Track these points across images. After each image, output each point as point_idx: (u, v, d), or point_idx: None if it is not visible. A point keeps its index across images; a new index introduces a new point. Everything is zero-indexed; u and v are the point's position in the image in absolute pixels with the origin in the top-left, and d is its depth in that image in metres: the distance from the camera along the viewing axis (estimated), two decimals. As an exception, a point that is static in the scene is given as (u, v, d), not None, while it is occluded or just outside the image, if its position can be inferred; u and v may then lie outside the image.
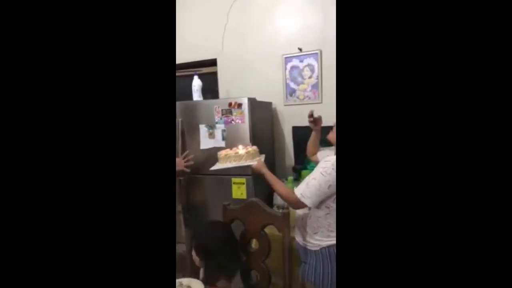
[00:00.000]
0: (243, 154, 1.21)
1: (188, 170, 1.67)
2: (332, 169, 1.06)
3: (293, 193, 1.13)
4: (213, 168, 1.29)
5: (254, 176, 1.77)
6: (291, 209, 1.18)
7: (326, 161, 1.12)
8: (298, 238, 1.24)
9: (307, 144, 1.49)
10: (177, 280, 1.11)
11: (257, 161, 1.22)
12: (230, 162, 1.22)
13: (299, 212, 1.20)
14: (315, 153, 1.47)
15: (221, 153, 1.28)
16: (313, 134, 1.43)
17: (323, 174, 1.07)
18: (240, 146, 1.30)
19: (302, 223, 1.19)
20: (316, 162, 1.30)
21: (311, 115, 1.33)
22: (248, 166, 1.25)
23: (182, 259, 2.04)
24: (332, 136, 1.21)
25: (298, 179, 1.87)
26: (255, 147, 1.30)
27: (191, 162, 1.67)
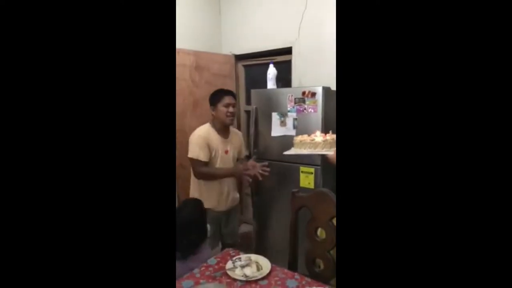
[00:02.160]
0: (319, 142, 1.17)
1: (260, 178, 1.58)
2: None
3: None
4: (287, 152, 1.28)
5: (323, 167, 1.75)
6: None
7: None
8: None
9: None
10: (246, 255, 1.20)
11: (334, 151, 1.17)
12: (305, 148, 1.20)
13: None
14: None
15: (297, 139, 1.26)
16: None
17: None
18: (318, 133, 1.25)
19: None
20: None
21: None
22: (322, 156, 1.21)
23: (249, 238, 2.17)
24: None
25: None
26: (334, 136, 1.25)
27: (266, 173, 1.57)
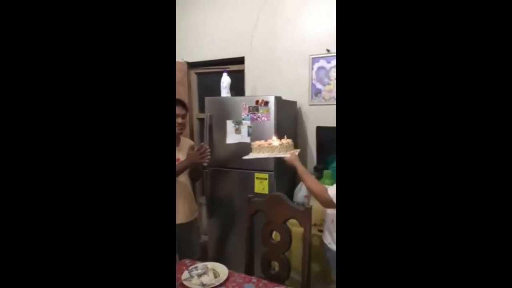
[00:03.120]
0: (276, 146, 1.23)
1: (205, 163, 1.55)
2: None
3: (326, 191, 1.11)
4: (246, 157, 1.30)
5: (276, 172, 1.82)
6: (315, 206, 1.21)
7: None
8: (327, 241, 1.23)
9: None
10: (203, 264, 1.19)
11: (290, 154, 1.22)
12: (263, 152, 1.24)
13: (329, 213, 1.20)
14: None
15: (255, 144, 1.30)
16: None
17: None
18: (274, 138, 1.31)
19: (332, 226, 1.19)
20: None
21: None
22: (276, 161, 1.24)
23: (205, 247, 2.13)
24: None
25: (319, 178, 1.89)
26: (289, 140, 1.30)
27: (208, 156, 1.51)
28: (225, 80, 2.09)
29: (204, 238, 2.25)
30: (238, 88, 2.42)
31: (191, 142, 1.81)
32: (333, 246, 1.19)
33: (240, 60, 2.42)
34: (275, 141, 1.27)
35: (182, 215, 1.63)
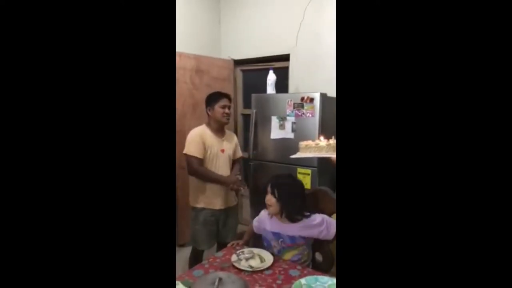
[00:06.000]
0: (324, 146, 1.26)
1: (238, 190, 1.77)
2: None
3: None
4: (293, 156, 1.36)
5: (319, 169, 1.85)
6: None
7: None
8: None
9: None
10: (249, 249, 1.28)
11: None
12: (310, 152, 1.28)
13: None
14: None
15: (302, 144, 1.34)
16: None
17: None
18: (322, 138, 1.34)
19: None
20: None
21: None
22: (319, 158, 1.26)
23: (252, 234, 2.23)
24: None
25: (363, 176, 1.89)
26: None
27: (240, 188, 1.75)
28: (271, 77, 2.16)
29: (244, 228, 2.35)
30: (281, 85, 2.48)
31: (234, 136, 1.90)
32: None
33: (285, 57, 2.47)
34: (322, 141, 1.29)
35: (220, 201, 1.74)
